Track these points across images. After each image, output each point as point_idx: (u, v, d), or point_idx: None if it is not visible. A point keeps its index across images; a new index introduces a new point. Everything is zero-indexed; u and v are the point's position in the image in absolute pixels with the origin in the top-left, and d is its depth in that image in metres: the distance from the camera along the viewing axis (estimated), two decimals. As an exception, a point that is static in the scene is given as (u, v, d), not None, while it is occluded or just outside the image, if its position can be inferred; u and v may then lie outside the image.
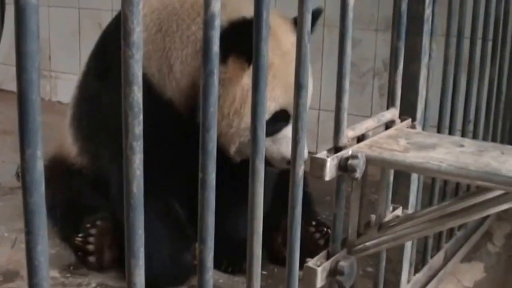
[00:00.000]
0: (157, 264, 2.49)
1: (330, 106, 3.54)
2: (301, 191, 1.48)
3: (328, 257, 1.69)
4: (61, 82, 5.34)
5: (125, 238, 1.05)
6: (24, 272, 2.54)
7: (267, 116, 2.29)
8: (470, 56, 2.59)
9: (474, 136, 2.77)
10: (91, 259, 2.56)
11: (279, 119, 2.45)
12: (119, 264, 2.53)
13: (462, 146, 1.67)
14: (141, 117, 1.00)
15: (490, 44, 2.77)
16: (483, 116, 2.84)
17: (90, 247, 2.55)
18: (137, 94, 0.99)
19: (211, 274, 1.23)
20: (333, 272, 1.67)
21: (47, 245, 0.91)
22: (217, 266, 2.56)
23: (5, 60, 5.66)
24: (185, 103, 2.47)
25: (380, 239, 1.74)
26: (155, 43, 2.48)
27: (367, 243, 1.74)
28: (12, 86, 5.58)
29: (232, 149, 2.46)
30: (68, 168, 2.87)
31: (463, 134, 2.63)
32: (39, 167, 0.88)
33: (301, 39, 1.40)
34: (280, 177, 2.56)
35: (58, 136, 3.06)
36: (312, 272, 1.63)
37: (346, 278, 1.67)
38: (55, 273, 2.61)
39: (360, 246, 1.74)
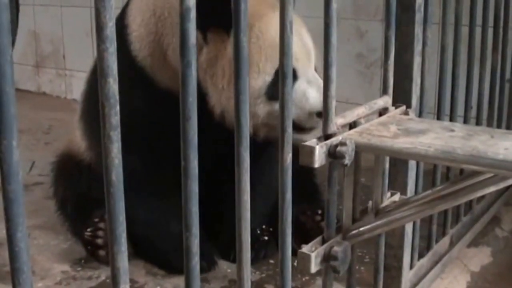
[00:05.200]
0: (169, 247, 2.54)
1: (336, 97, 3.58)
2: (289, 178, 1.51)
3: (322, 243, 1.73)
4: (76, 80, 5.40)
5: (107, 225, 1.09)
6: (35, 268, 2.60)
7: (268, 78, 2.33)
8: (469, 42, 2.60)
9: (477, 123, 2.78)
10: (101, 252, 2.60)
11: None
12: (129, 257, 2.57)
13: (452, 130, 1.69)
14: (118, 107, 1.04)
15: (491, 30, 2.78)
16: (486, 102, 2.85)
17: (100, 241, 2.60)
18: (113, 86, 1.03)
19: (197, 260, 1.27)
20: (327, 258, 1.70)
21: (26, 232, 0.95)
22: (226, 256, 2.63)
23: (20, 59, 5.73)
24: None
25: (374, 224, 1.76)
26: (148, 27, 2.49)
27: (361, 228, 1.77)
28: (29, 85, 5.67)
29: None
30: (78, 163, 2.90)
31: (465, 121, 2.65)
32: (16, 156, 0.92)
33: (283, 30, 1.43)
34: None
35: (70, 133, 3.11)
36: (306, 257, 1.66)
37: (340, 263, 1.69)
38: (66, 267, 2.66)
39: (354, 232, 1.77)
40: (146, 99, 2.51)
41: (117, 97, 1.04)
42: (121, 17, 2.55)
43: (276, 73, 2.35)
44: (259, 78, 2.34)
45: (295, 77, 2.36)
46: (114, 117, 1.04)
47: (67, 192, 2.92)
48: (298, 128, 2.30)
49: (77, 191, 2.86)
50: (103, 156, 1.07)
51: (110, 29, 1.01)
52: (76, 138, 2.93)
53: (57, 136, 4.37)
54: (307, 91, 2.36)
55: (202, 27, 2.30)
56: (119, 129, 1.05)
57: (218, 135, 2.27)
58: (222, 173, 2.34)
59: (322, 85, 2.34)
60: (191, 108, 1.19)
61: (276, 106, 2.35)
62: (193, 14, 1.15)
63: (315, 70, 2.45)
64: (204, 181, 2.03)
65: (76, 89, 5.35)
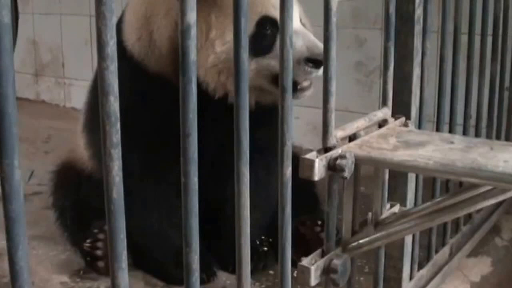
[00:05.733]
0: (169, 258, 2.54)
1: (336, 105, 3.58)
2: (289, 192, 1.52)
3: (322, 255, 1.73)
4: (75, 88, 5.41)
5: (108, 242, 1.09)
6: (34, 279, 2.59)
7: (248, 31, 2.27)
8: (468, 50, 2.61)
9: (477, 132, 2.79)
10: (100, 264, 2.60)
11: (266, 27, 2.32)
12: (128, 267, 2.56)
13: (451, 143, 1.70)
14: (118, 125, 1.04)
15: (490, 39, 2.79)
16: (485, 111, 2.85)
17: (99, 252, 2.59)
18: (114, 104, 1.03)
19: (197, 276, 1.27)
20: (327, 271, 1.70)
21: (27, 251, 0.95)
22: (225, 267, 2.63)
23: (19, 68, 5.74)
24: (172, 72, 2.35)
25: (373, 236, 1.77)
26: (138, 13, 2.47)
27: (361, 241, 1.77)
28: (28, 93, 5.68)
29: (221, 80, 2.35)
30: (79, 173, 2.90)
31: (465, 130, 2.65)
32: (17, 176, 0.92)
33: (283, 45, 1.43)
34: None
35: (70, 142, 3.11)
36: (306, 270, 1.66)
37: (339, 276, 1.70)
38: (65, 278, 2.65)
39: (354, 244, 1.77)
40: (137, 91, 2.48)
41: (118, 115, 1.05)
42: (121, 15, 2.56)
43: (258, 24, 2.31)
44: (207, 49, 2.30)
45: (276, 27, 2.26)
46: (115, 135, 1.05)
47: (66, 202, 2.92)
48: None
49: (77, 201, 2.86)
50: (103, 174, 1.07)
51: (111, 48, 1.01)
52: (79, 147, 2.92)
53: (56, 145, 4.37)
54: (298, 39, 2.27)
55: None
56: (119, 147, 1.06)
57: (211, 112, 2.24)
58: (222, 171, 2.33)
59: (309, 34, 2.33)
60: (192, 125, 1.19)
61: (264, 62, 2.31)
62: (193, 32, 1.16)
63: (300, 21, 2.40)
64: (205, 188, 2.03)
65: (75, 97, 5.36)
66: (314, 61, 2.24)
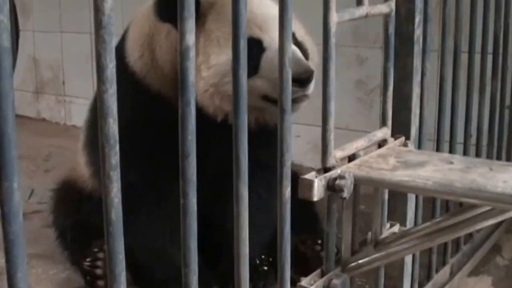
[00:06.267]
0: (168, 276, 2.53)
1: (336, 123, 3.57)
2: (288, 212, 1.52)
3: (322, 275, 1.73)
4: (75, 106, 5.42)
5: (107, 264, 1.09)
6: (34, 297, 2.59)
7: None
8: (469, 69, 2.62)
9: (477, 151, 2.79)
10: (100, 283, 2.59)
11: (251, 48, 2.28)
12: (128, 287, 2.56)
13: (451, 163, 1.70)
14: (117, 148, 1.05)
15: (490, 57, 2.80)
16: (486, 129, 2.86)
17: (98, 271, 2.59)
18: (113, 126, 1.04)
19: (196, 297, 1.27)
20: (326, 291, 1.70)
21: (26, 272, 0.95)
22: (224, 285, 2.62)
23: (20, 86, 5.76)
24: (173, 93, 2.31)
25: (372, 256, 1.77)
26: (141, 31, 2.48)
27: (361, 261, 1.77)
28: (28, 111, 5.68)
29: (216, 103, 2.34)
30: (80, 191, 2.90)
31: (465, 148, 2.65)
32: (16, 198, 0.92)
33: (282, 66, 1.44)
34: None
35: (70, 160, 3.11)
36: (306, 291, 1.66)
37: (339, 296, 1.70)
38: (65, 297, 2.65)
39: (353, 264, 1.77)
40: (139, 107, 2.49)
41: (117, 138, 1.05)
42: (124, 32, 2.57)
43: None
44: (221, 54, 2.29)
45: (261, 48, 2.30)
46: (114, 157, 1.05)
47: (66, 221, 2.92)
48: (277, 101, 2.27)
49: (77, 219, 2.86)
50: (103, 195, 1.07)
51: (111, 71, 1.02)
52: (79, 166, 2.93)
53: (56, 163, 4.37)
54: (275, 59, 2.26)
55: (171, 19, 2.23)
56: (118, 169, 1.06)
57: (213, 133, 2.24)
58: (224, 189, 2.34)
59: (296, 52, 2.31)
60: (190, 146, 1.20)
61: (251, 83, 2.26)
62: (192, 53, 1.17)
63: (294, 37, 2.36)
64: (206, 206, 2.03)
65: (76, 115, 5.37)
66: (298, 81, 2.21)
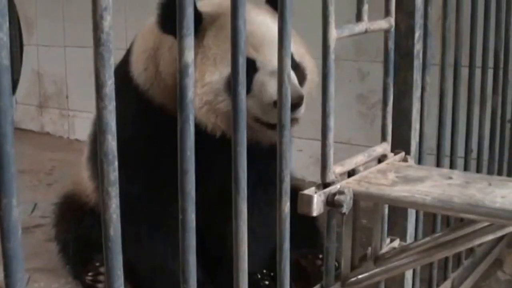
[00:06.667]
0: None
1: (338, 138, 3.58)
2: (288, 228, 1.53)
3: (321, 290, 1.73)
4: (79, 120, 5.43)
5: (105, 279, 1.10)
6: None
7: (226, 71, 2.22)
8: (469, 83, 2.62)
9: (478, 165, 2.79)
10: (101, 297, 2.60)
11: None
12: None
13: (450, 178, 1.71)
14: (116, 164, 1.06)
15: (491, 72, 2.80)
16: (487, 144, 2.86)
17: (100, 286, 2.59)
18: (111, 143, 1.05)
19: (195, 312, 1.27)
20: (326, 306, 1.71)
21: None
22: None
23: (23, 99, 5.78)
24: (176, 108, 2.36)
25: (372, 271, 1.77)
26: (146, 44, 2.50)
27: (360, 276, 1.78)
28: (32, 125, 5.70)
29: (211, 120, 2.34)
30: (83, 205, 2.90)
31: (466, 163, 2.65)
32: (15, 214, 0.93)
33: (281, 83, 1.45)
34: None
35: (74, 174, 3.11)
36: (305, 306, 1.67)
37: (338, 311, 1.70)
38: (66, 311, 2.66)
39: (353, 279, 1.78)
40: (142, 121, 2.50)
41: (115, 154, 1.06)
42: (130, 45, 2.58)
43: None
44: (215, 72, 2.29)
45: (254, 69, 2.29)
46: (113, 173, 1.06)
47: (69, 234, 2.92)
48: (267, 124, 2.27)
49: (79, 233, 2.86)
50: (101, 211, 1.08)
51: (109, 87, 1.03)
52: (83, 179, 2.92)
53: (59, 177, 4.38)
54: (266, 82, 2.26)
55: (172, 31, 2.30)
56: (117, 185, 1.07)
57: (213, 148, 2.24)
58: (224, 204, 2.34)
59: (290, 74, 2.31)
60: (189, 162, 1.21)
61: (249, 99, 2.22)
62: (191, 70, 1.18)
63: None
64: (207, 220, 2.03)
65: (79, 129, 5.38)
66: None
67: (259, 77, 2.28)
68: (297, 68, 2.37)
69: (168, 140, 2.31)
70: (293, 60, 2.34)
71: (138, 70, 2.50)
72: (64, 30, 5.45)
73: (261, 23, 2.29)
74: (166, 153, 2.30)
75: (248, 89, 2.23)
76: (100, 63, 1.02)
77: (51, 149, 5.24)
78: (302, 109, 2.24)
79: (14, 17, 5.79)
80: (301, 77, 2.36)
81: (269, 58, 2.27)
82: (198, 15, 2.29)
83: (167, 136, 2.33)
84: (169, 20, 2.27)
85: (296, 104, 2.14)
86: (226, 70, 2.24)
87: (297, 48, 2.40)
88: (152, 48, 2.48)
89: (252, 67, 2.29)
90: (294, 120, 2.24)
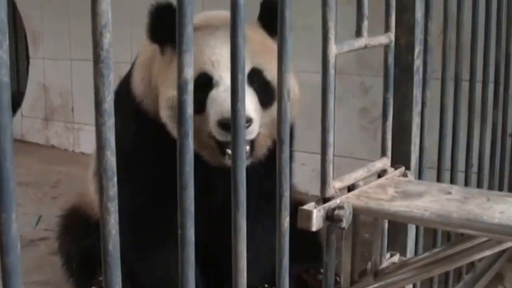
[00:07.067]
0: None
1: (340, 152, 3.59)
2: (287, 243, 1.53)
3: (321, 305, 1.74)
4: (84, 133, 5.45)
5: (104, 293, 1.11)
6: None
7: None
8: (470, 97, 2.63)
9: (479, 180, 2.79)
10: (104, 311, 2.59)
11: (200, 85, 2.18)
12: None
13: (449, 193, 1.71)
14: (115, 179, 1.07)
15: (491, 86, 2.81)
16: (487, 158, 2.86)
17: (102, 300, 2.59)
18: (110, 158, 1.06)
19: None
20: (326, 320, 1.71)
21: (23, 302, 0.97)
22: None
23: (29, 112, 5.80)
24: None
25: (372, 286, 1.78)
26: (145, 56, 2.50)
27: (359, 291, 1.78)
28: (36, 138, 5.72)
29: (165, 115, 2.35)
30: (87, 218, 2.90)
31: (466, 177, 2.66)
32: (14, 229, 0.94)
33: (281, 98, 1.46)
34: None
35: (79, 187, 3.12)
36: (305, 320, 1.67)
37: (338, 325, 1.71)
38: (68, 325, 2.66)
39: (352, 294, 1.79)
40: (138, 133, 2.48)
41: (114, 169, 1.07)
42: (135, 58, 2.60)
43: (195, 81, 2.26)
44: (170, 87, 2.27)
45: (210, 85, 2.28)
46: (112, 189, 1.07)
47: (72, 248, 2.93)
48: (217, 142, 2.27)
49: (82, 246, 2.87)
50: (100, 226, 1.09)
51: (109, 104, 1.04)
52: (89, 193, 2.92)
53: (64, 190, 4.39)
54: (218, 100, 2.24)
55: (158, 40, 2.34)
56: (116, 201, 1.08)
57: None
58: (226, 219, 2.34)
59: (241, 94, 2.29)
60: (188, 178, 1.22)
61: (198, 120, 2.15)
62: (190, 87, 1.19)
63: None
64: (208, 234, 2.03)
65: (84, 142, 5.40)
66: (223, 125, 2.20)
67: (213, 94, 2.27)
68: (267, 86, 2.34)
69: (163, 152, 2.33)
70: (262, 77, 2.33)
71: (136, 81, 2.50)
72: (70, 43, 5.48)
73: (225, 41, 2.25)
74: (163, 165, 2.32)
75: (203, 107, 2.23)
76: (99, 79, 1.04)
77: (56, 162, 5.25)
78: (255, 131, 2.22)
79: (21, 30, 5.82)
80: (270, 96, 2.31)
81: (225, 76, 2.24)
82: None
83: (163, 148, 2.34)
84: (155, 29, 2.29)
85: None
86: None
87: (272, 66, 2.36)
88: (150, 58, 2.48)
89: (209, 83, 2.29)
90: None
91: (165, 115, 2.33)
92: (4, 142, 0.92)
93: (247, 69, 2.21)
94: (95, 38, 1.05)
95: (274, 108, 2.23)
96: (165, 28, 2.24)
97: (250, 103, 2.21)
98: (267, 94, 2.32)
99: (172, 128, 2.32)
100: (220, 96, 2.23)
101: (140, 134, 2.47)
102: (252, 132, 2.21)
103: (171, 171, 1.97)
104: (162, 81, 2.34)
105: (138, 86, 2.49)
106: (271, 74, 2.33)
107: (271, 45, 2.31)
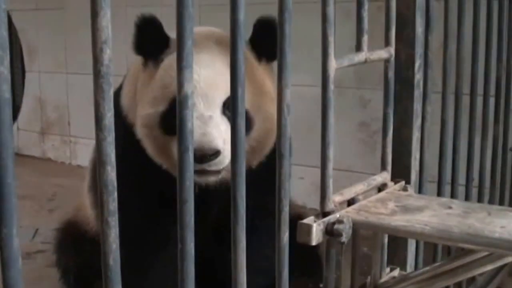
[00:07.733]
0: None
1: (340, 165, 3.57)
2: (287, 257, 1.53)
3: (321, 320, 1.73)
4: (81, 146, 5.45)
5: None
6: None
7: (161, 107, 2.23)
8: (470, 111, 2.62)
9: (480, 194, 2.78)
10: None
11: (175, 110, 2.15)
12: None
13: (450, 208, 1.71)
14: (115, 194, 1.07)
15: (492, 100, 2.80)
16: (488, 173, 2.86)
17: (100, 314, 2.58)
18: (111, 174, 1.06)
19: None
20: (326, 335, 1.70)
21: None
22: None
23: (25, 126, 5.79)
24: None
25: (372, 301, 1.77)
26: (136, 66, 2.47)
27: (360, 305, 1.78)
28: (34, 151, 5.71)
29: (150, 152, 2.35)
30: (84, 232, 2.90)
31: (467, 191, 2.65)
32: (15, 244, 0.94)
33: (281, 113, 1.46)
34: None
35: (75, 200, 3.11)
36: (305, 335, 1.67)
37: None
38: None
39: (352, 308, 1.78)
40: (124, 147, 2.45)
41: (115, 184, 1.07)
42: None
43: (171, 102, 2.22)
44: (146, 104, 2.28)
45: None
46: (112, 204, 1.07)
47: (70, 261, 2.92)
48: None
49: (80, 260, 2.86)
50: (101, 241, 1.09)
51: (109, 119, 1.04)
52: (85, 207, 2.91)
53: (61, 203, 4.38)
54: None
55: (142, 53, 2.33)
56: (116, 215, 1.08)
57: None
58: (223, 234, 2.34)
59: (219, 125, 2.24)
60: (188, 192, 1.21)
61: (173, 143, 2.17)
62: (191, 102, 1.19)
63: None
64: (208, 248, 2.02)
65: (81, 155, 5.39)
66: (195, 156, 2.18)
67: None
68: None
69: (150, 166, 2.32)
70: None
71: (123, 94, 2.49)
72: (66, 57, 5.48)
73: (205, 66, 2.23)
74: (151, 179, 2.31)
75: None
76: (99, 95, 1.04)
77: (52, 175, 5.25)
78: (220, 163, 2.18)
79: (17, 44, 5.82)
80: (246, 124, 2.29)
81: (199, 103, 2.20)
82: (165, 40, 2.31)
83: (150, 162, 2.33)
84: (139, 41, 2.29)
85: (200, 157, 2.08)
86: (162, 106, 2.24)
87: (250, 94, 2.27)
88: (138, 71, 2.45)
89: None
90: (213, 173, 2.20)
91: (140, 132, 2.33)
92: (5, 159, 0.91)
93: (224, 98, 2.20)
94: (95, 53, 1.05)
95: (250, 136, 2.26)
96: (148, 41, 2.26)
97: (223, 132, 2.18)
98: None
99: (147, 145, 2.32)
100: (195, 123, 2.19)
101: (127, 147, 2.45)
102: (221, 163, 2.16)
103: (158, 184, 1.94)
104: (140, 97, 2.33)
105: (124, 99, 2.47)
106: (248, 102, 2.24)
107: (251, 69, 2.29)
